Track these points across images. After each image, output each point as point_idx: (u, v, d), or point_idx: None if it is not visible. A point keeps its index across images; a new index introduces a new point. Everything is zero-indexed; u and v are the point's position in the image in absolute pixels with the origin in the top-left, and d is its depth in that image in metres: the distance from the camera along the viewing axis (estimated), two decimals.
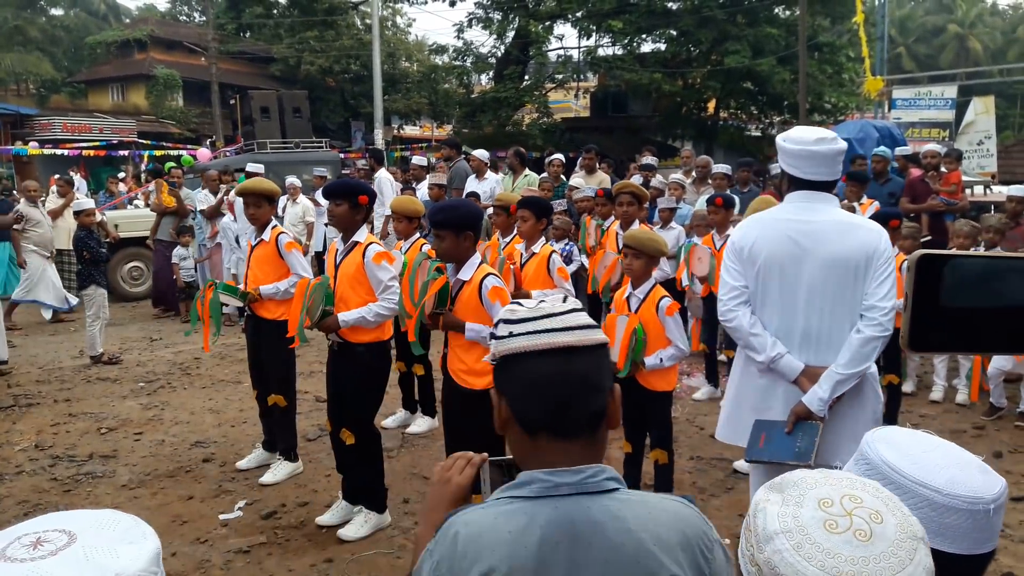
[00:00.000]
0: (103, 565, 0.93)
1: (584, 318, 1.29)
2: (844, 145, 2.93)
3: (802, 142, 2.87)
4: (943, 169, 8.46)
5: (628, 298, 4.23)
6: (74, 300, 9.92)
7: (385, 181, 10.67)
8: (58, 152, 22.19)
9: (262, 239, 4.95)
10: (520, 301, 1.33)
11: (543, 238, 5.10)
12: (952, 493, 1.15)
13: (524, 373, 1.25)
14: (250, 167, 10.18)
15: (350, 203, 4.09)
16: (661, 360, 4.06)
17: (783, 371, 2.90)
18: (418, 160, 11.18)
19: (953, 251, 1.16)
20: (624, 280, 4.32)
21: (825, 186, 2.90)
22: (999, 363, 5.97)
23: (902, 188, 8.65)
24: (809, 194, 2.88)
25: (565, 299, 1.32)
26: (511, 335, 1.26)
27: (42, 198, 10.60)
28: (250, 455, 5.26)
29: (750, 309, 2.95)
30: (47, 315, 10.21)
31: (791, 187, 2.94)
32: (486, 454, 1.42)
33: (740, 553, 1.07)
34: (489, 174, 10.33)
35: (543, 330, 1.25)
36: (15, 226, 9.64)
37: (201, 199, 10.74)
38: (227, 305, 4.94)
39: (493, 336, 1.29)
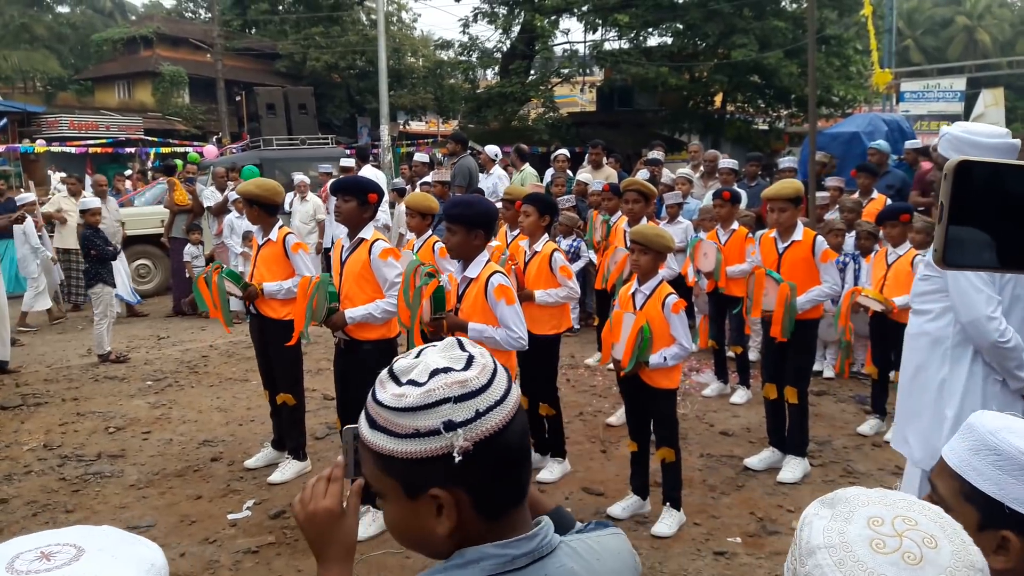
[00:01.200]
0: None
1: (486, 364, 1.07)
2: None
3: (996, 135, 2.64)
4: None
5: (633, 294, 4.20)
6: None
7: (379, 178, 10.71)
8: (65, 150, 22.24)
9: (269, 239, 4.93)
10: (447, 367, 1.03)
11: (546, 235, 5.06)
12: None
13: (498, 452, 1.02)
14: (344, 162, 10.87)
15: (359, 200, 4.08)
16: (665, 359, 4.04)
17: None
18: (420, 157, 11.16)
19: (995, 159, 1.06)
20: (632, 276, 4.29)
21: None
22: None
23: (901, 180, 8.59)
24: None
25: (460, 345, 1.08)
26: (479, 413, 1.00)
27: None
28: (258, 454, 5.25)
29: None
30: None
31: None
32: (340, 460, 1.19)
33: (785, 566, 1.03)
34: (494, 170, 10.32)
35: (501, 396, 1.03)
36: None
37: (208, 196, 10.75)
38: (232, 295, 4.90)
39: (451, 427, 0.99)
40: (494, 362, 1.07)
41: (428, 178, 9.25)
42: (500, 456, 1.03)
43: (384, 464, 1.03)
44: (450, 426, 0.99)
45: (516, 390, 1.08)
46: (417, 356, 1.07)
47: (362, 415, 1.07)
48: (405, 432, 1.00)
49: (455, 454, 0.99)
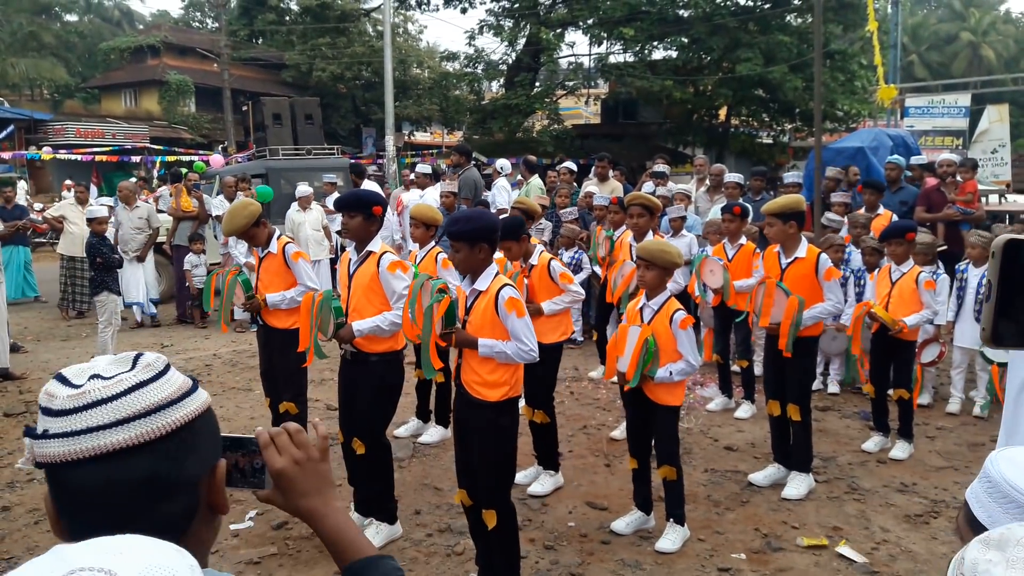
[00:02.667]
0: None
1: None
2: None
3: None
4: (959, 178, 8.39)
5: (641, 309, 4.20)
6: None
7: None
8: (72, 157, 22.34)
9: (269, 251, 4.95)
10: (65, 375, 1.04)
11: (539, 247, 5.12)
12: None
13: (57, 478, 0.99)
14: (419, 167, 10.98)
15: (364, 215, 4.09)
16: (671, 373, 4.03)
17: None
18: (422, 168, 11.14)
19: None
20: (639, 291, 4.29)
21: None
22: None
23: (914, 196, 8.59)
24: None
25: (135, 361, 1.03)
26: (45, 434, 0.99)
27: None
28: None
29: None
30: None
31: None
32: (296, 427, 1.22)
33: None
34: (497, 181, 10.37)
35: (80, 430, 0.97)
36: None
37: (216, 205, 10.76)
38: (235, 305, 4.96)
39: (28, 433, 1.00)
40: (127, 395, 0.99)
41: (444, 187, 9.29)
42: (60, 483, 0.99)
43: None
44: (28, 432, 1.02)
45: (119, 436, 0.97)
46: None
47: None
48: None
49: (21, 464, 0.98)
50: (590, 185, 9.91)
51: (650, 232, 6.06)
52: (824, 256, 4.93)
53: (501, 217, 5.37)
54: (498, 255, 5.80)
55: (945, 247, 7.95)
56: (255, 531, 4.41)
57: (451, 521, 4.45)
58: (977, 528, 1.21)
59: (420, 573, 3.91)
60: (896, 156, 9.14)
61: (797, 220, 4.90)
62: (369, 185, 11.73)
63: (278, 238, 4.98)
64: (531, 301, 4.87)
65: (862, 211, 7.81)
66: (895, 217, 7.55)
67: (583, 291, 5.17)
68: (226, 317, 5.11)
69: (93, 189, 18.63)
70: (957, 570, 0.92)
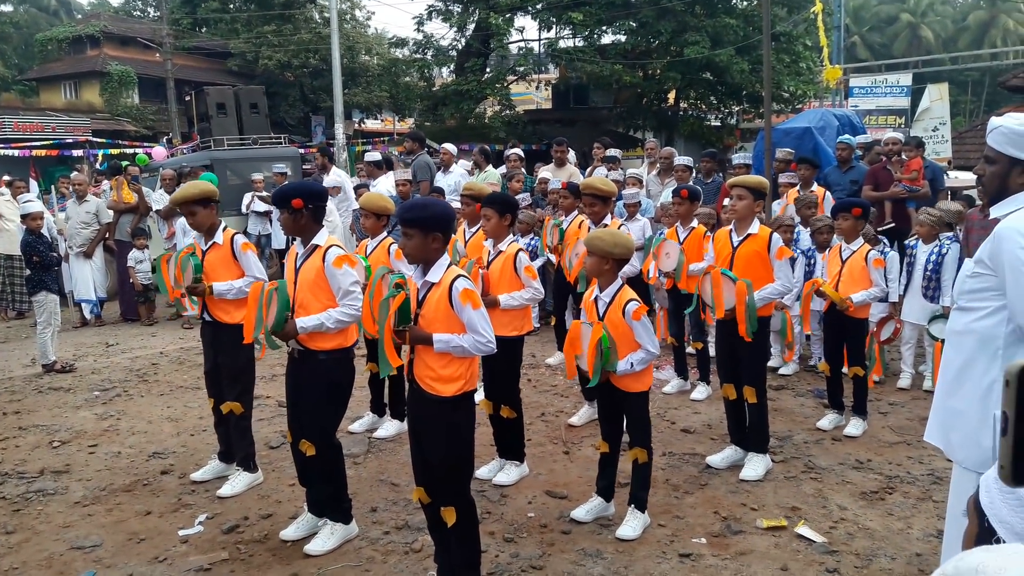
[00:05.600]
0: None
1: None
2: None
3: None
4: (904, 156, 8.50)
5: (596, 300, 4.14)
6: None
7: (346, 179, 10.54)
8: (8, 152, 21.55)
9: (214, 242, 4.77)
10: None
11: (510, 235, 4.97)
12: None
13: None
14: (368, 156, 10.94)
15: (288, 210, 3.95)
16: (632, 365, 3.99)
17: None
18: (370, 156, 10.92)
19: None
20: (592, 281, 4.22)
21: None
22: None
23: (863, 175, 8.69)
24: None
25: None
26: None
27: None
28: (206, 466, 5.07)
29: None
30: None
31: None
32: None
33: None
34: (454, 167, 10.20)
35: None
36: None
37: (156, 199, 10.46)
38: (192, 291, 4.70)
39: None
40: None
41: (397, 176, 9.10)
42: None
43: None
44: None
45: None
46: None
47: None
48: None
49: None
50: (545, 171, 9.83)
51: (608, 216, 6.01)
52: (776, 235, 4.94)
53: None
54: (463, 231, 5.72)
55: (892, 224, 8.07)
56: (205, 536, 4.26)
57: (408, 517, 4.36)
58: (981, 514, 1.17)
59: (378, 572, 3.82)
60: (847, 136, 9.23)
61: (763, 199, 4.99)
62: (338, 172, 11.46)
63: (224, 229, 4.81)
64: (487, 293, 4.78)
65: (796, 189, 7.96)
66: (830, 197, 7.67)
67: (543, 291, 5.07)
68: (188, 298, 4.82)
69: (32, 184, 18.00)
70: None
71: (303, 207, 3.95)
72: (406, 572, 3.82)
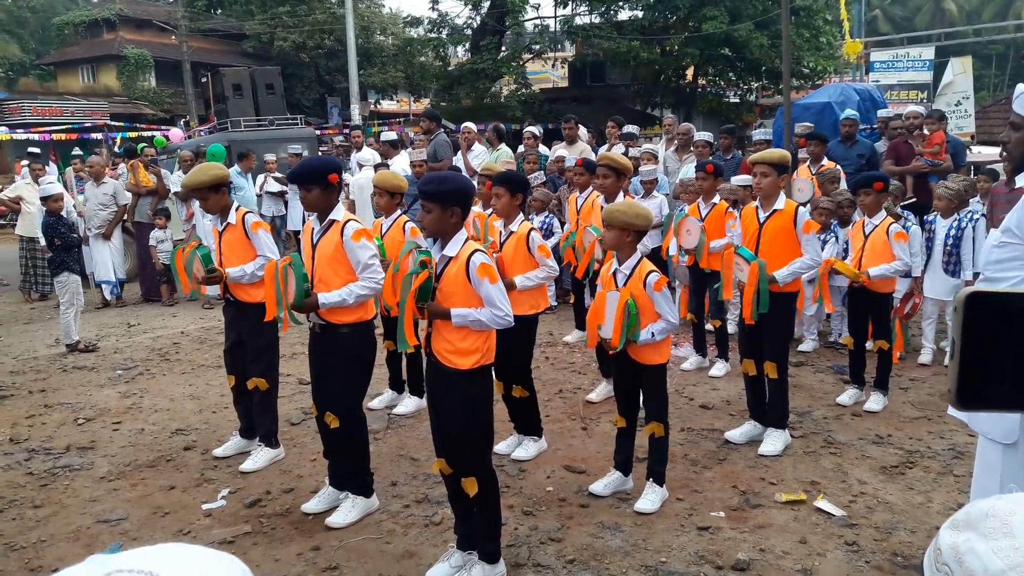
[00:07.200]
0: None
1: None
2: None
3: None
4: (925, 131, 8.39)
5: (614, 274, 4.13)
6: None
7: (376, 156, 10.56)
8: (29, 136, 21.73)
9: (229, 223, 4.80)
10: None
11: (521, 214, 4.94)
12: None
13: None
14: (384, 135, 10.63)
15: (321, 186, 3.96)
16: (653, 335, 3.99)
17: None
18: (386, 135, 10.87)
19: (1009, 289, 0.97)
20: (607, 255, 4.21)
21: None
22: None
23: (870, 150, 8.60)
24: None
25: None
26: None
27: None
28: (227, 443, 5.13)
29: None
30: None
31: None
32: None
33: None
34: (476, 147, 10.16)
35: None
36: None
37: (175, 180, 10.51)
38: (208, 281, 4.77)
39: None
40: None
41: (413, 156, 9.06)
42: None
43: None
44: None
45: None
46: None
47: None
48: None
49: None
50: (560, 149, 9.78)
51: (621, 194, 5.97)
52: (802, 209, 4.89)
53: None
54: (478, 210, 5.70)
55: (915, 199, 7.98)
56: (228, 510, 4.32)
57: (428, 491, 4.40)
58: None
59: (398, 545, 3.86)
60: (850, 111, 9.11)
61: (787, 174, 4.96)
62: (403, 158, 11.31)
63: (236, 209, 4.83)
64: (503, 276, 4.77)
65: (806, 164, 7.92)
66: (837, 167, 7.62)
67: (557, 268, 5.05)
68: (194, 293, 4.92)
69: (52, 167, 18.17)
70: (934, 562, 0.89)
71: (339, 181, 3.99)
72: (426, 544, 3.85)
